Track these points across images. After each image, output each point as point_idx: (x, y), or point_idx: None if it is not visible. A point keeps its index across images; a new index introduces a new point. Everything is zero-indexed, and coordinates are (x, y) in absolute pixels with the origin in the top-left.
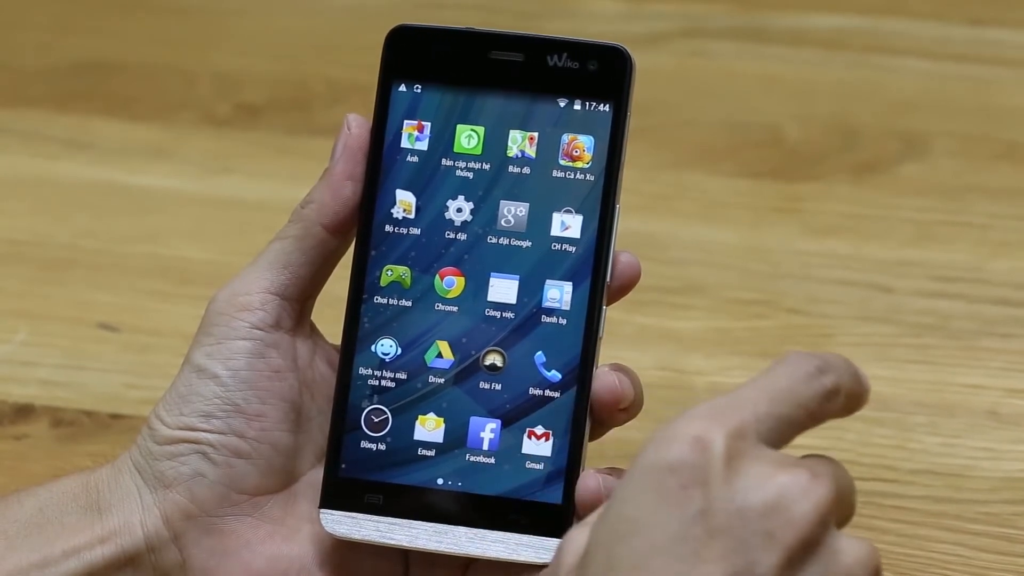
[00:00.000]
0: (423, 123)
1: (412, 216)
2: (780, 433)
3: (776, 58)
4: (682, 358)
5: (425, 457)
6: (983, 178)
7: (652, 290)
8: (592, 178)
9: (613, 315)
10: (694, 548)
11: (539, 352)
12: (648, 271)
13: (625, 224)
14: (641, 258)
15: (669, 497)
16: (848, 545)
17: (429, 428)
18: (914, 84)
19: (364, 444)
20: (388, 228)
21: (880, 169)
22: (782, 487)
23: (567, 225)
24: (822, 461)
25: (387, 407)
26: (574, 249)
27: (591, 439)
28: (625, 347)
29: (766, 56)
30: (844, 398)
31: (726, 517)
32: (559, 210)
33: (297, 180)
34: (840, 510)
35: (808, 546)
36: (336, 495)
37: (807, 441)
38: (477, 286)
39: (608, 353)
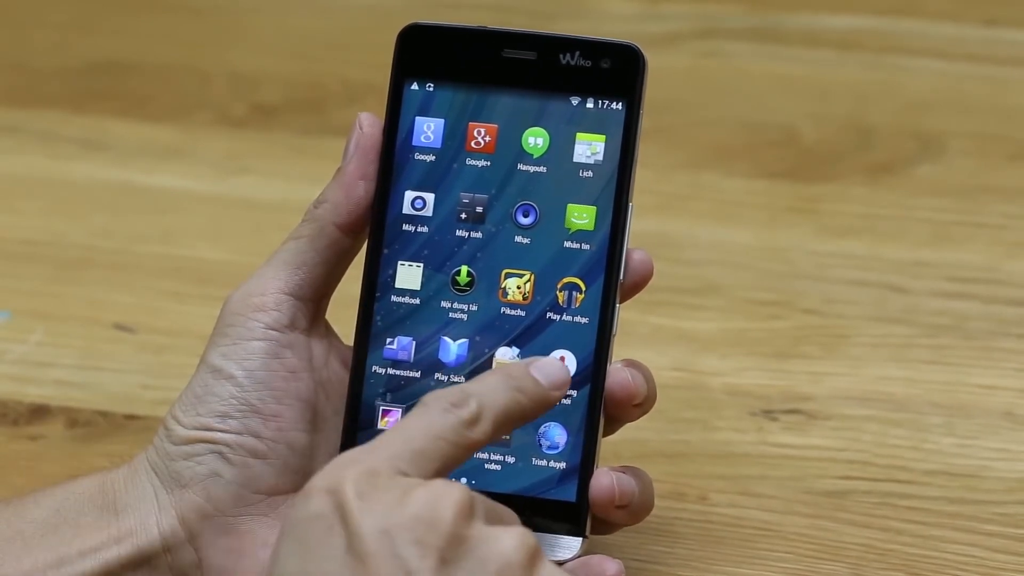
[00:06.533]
0: (435, 121)
1: (425, 214)
2: (422, 467)
3: (791, 58)
4: (697, 359)
5: None
6: (999, 178)
7: (667, 290)
8: (605, 176)
9: (628, 316)
10: None
11: (552, 350)
12: (663, 271)
13: (640, 224)
14: (656, 258)
15: (317, 544)
16: (500, 533)
17: None
18: (929, 84)
19: None
20: (401, 226)
21: (895, 169)
22: (418, 498)
23: (580, 223)
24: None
25: (401, 405)
26: (587, 247)
27: (605, 435)
28: (640, 347)
29: (781, 56)
30: (490, 423)
31: (373, 540)
32: (572, 208)
33: (313, 180)
34: (490, 514)
35: (458, 542)
36: None
37: (818, 442)
38: (490, 284)
39: (623, 353)
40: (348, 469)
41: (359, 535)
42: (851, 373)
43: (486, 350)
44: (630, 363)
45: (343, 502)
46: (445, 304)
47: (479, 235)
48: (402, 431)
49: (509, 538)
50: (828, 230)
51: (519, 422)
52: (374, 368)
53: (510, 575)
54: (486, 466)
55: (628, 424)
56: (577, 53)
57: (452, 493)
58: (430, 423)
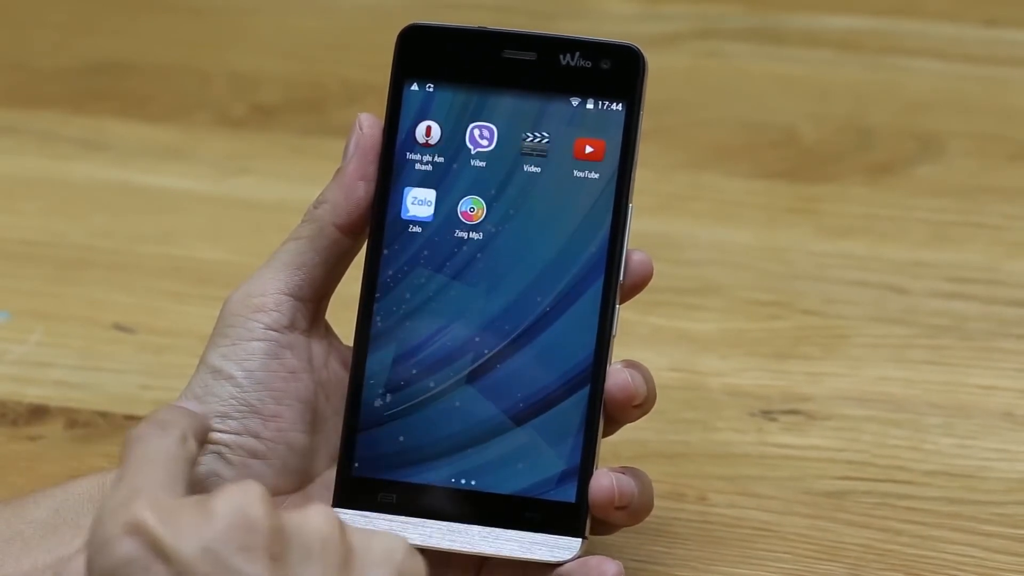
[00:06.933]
0: (435, 122)
1: (425, 215)
2: (180, 486)
3: (791, 59)
4: (697, 359)
5: (438, 455)
6: (998, 179)
7: (667, 291)
8: (605, 177)
9: (628, 316)
10: None
11: (552, 350)
12: (663, 272)
13: (640, 225)
14: (656, 259)
15: None
16: (304, 515)
17: (442, 427)
18: (929, 85)
19: (377, 443)
20: (401, 227)
21: (895, 170)
22: (223, 507)
23: (580, 223)
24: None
25: (400, 406)
26: (587, 248)
27: (604, 435)
28: (640, 348)
29: (781, 57)
30: (192, 436)
31: (200, 563)
32: (572, 209)
33: (312, 180)
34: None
35: (277, 536)
36: (349, 494)
37: (817, 442)
38: (490, 285)
39: (622, 354)
40: (134, 504)
41: (183, 562)
42: (850, 373)
43: (486, 351)
44: (630, 364)
45: (153, 535)
46: (444, 304)
47: (479, 236)
48: (143, 463)
49: (315, 516)
50: (828, 230)
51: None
52: (373, 368)
53: (332, 548)
54: (485, 466)
55: (628, 424)
56: (577, 54)
57: (250, 491)
58: (159, 448)
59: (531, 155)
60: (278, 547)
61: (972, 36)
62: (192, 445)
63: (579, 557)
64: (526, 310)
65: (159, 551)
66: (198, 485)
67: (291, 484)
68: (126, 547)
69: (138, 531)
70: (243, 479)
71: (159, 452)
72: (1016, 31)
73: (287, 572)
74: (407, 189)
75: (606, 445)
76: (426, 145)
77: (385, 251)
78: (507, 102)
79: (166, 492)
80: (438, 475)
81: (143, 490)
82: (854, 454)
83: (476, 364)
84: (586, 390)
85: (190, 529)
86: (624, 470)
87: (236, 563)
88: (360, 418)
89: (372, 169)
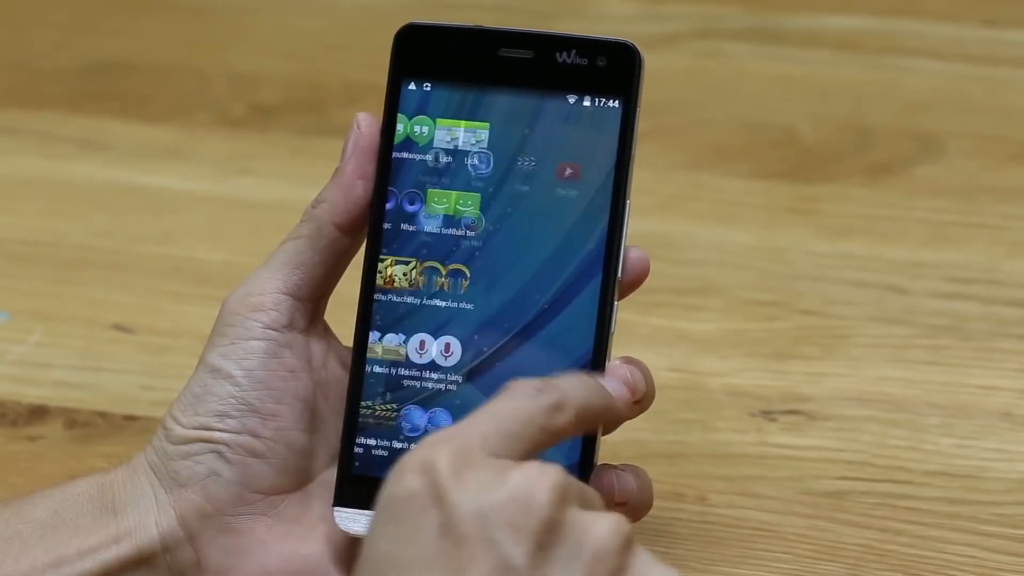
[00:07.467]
0: (433, 121)
1: (423, 214)
2: (512, 448)
3: (790, 59)
4: (696, 359)
5: None
6: (998, 179)
7: (666, 291)
8: (603, 174)
9: (627, 316)
10: (449, 561)
11: (551, 348)
12: (663, 272)
13: (639, 225)
14: (655, 259)
15: (411, 524)
16: (594, 519)
17: (442, 425)
18: (929, 85)
19: (377, 441)
20: (399, 226)
21: (895, 170)
22: (514, 481)
23: (578, 220)
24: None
25: (400, 404)
26: (586, 244)
27: (604, 433)
28: (640, 348)
29: (780, 57)
30: (573, 412)
31: (469, 523)
32: (570, 206)
33: (312, 180)
34: (582, 498)
35: (553, 527)
36: (350, 492)
37: (817, 442)
38: (488, 283)
39: (622, 355)
40: (441, 447)
41: (454, 516)
42: (850, 374)
43: (485, 349)
44: (628, 360)
45: (438, 481)
46: (444, 303)
47: (477, 234)
48: (491, 413)
49: (604, 523)
50: (828, 230)
51: (594, 422)
52: (373, 368)
53: (605, 561)
54: None
55: (627, 424)
56: (573, 51)
57: (548, 476)
58: (518, 406)
59: (529, 152)
60: (548, 537)
61: (972, 36)
62: (559, 421)
63: None
64: (525, 307)
65: (438, 496)
66: (196, 486)
67: (290, 483)
68: (413, 481)
69: (429, 471)
70: (243, 478)
71: (513, 408)
72: (1016, 31)
73: (546, 565)
74: (405, 188)
75: (606, 446)
76: (424, 144)
77: (384, 250)
78: (504, 100)
79: (492, 445)
80: None
81: (466, 434)
82: (854, 454)
83: (476, 362)
84: None
85: (476, 488)
86: (624, 467)
87: (499, 536)
88: (360, 416)
89: (371, 168)
